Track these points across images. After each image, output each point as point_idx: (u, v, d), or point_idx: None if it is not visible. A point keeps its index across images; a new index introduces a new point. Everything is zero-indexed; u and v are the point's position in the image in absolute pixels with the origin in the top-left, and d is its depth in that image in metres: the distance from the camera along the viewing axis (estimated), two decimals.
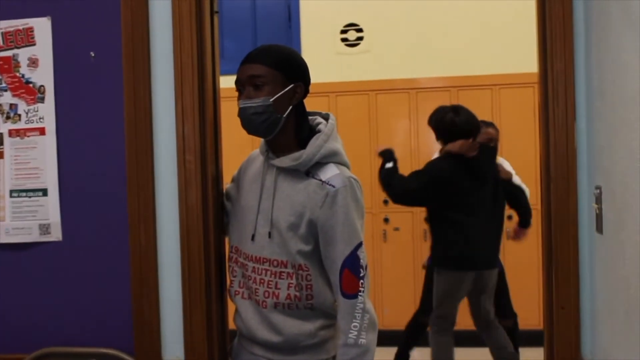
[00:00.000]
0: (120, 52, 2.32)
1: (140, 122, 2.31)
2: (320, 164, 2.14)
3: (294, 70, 2.16)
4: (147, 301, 2.33)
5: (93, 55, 2.34)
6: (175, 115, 2.31)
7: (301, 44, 6.10)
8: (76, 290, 2.39)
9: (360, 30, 6.12)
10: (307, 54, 6.04)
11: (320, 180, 2.12)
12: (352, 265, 2.08)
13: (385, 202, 5.85)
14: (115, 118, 2.33)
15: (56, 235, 2.38)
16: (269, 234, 2.14)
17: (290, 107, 2.15)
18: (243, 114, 2.12)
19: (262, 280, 2.16)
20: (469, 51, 5.90)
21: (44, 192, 2.38)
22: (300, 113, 2.20)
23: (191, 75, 2.29)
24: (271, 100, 2.10)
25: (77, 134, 2.37)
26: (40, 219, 2.38)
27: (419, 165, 5.84)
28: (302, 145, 2.17)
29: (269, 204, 2.16)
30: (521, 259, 5.66)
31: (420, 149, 5.90)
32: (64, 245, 2.39)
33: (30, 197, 2.38)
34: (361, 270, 2.09)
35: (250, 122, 2.12)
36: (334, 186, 2.09)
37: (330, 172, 2.13)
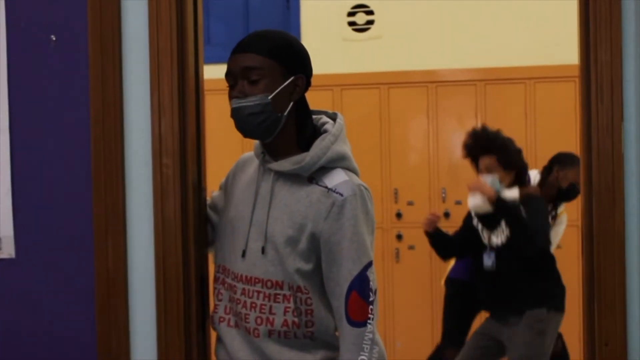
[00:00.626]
0: (86, 35, 2.31)
1: (109, 118, 2.30)
2: (326, 168, 2.15)
3: (294, 60, 2.16)
4: (115, 332, 2.32)
5: (54, 39, 2.34)
6: (150, 111, 2.31)
7: (301, 28, 6.11)
8: (31, 317, 2.37)
9: (370, 13, 6.12)
10: (308, 40, 6.03)
11: (326, 187, 2.12)
12: (361, 287, 2.08)
13: (398, 215, 5.85)
14: (79, 114, 2.32)
15: (8, 251, 2.37)
16: (263, 250, 2.14)
17: (291, 104, 2.15)
18: (238, 115, 2.12)
19: (253, 304, 2.16)
20: (499, 38, 5.91)
21: None
22: (302, 110, 2.20)
23: (170, 63, 2.29)
24: (270, 97, 2.10)
25: (34, 132, 2.36)
26: None
27: (438, 172, 5.86)
28: (305, 147, 2.17)
29: (264, 214, 2.16)
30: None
31: (440, 152, 5.91)
32: (17, 263, 2.38)
33: None
34: (371, 294, 2.09)
35: (246, 124, 2.12)
36: (341, 194, 2.09)
37: (337, 179, 2.13)
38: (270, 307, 2.14)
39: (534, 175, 4.81)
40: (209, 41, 6.14)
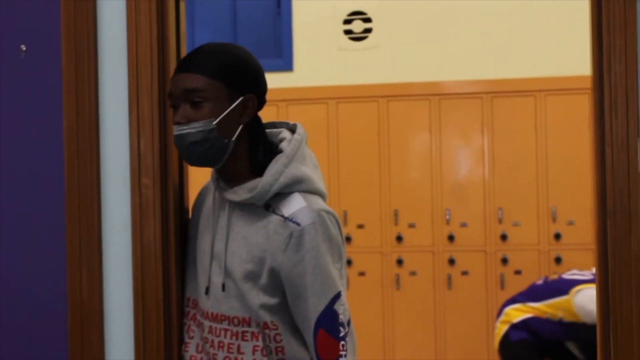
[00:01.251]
0: (59, 45, 2.31)
1: (84, 134, 2.30)
2: (282, 194, 2.13)
3: (243, 79, 2.14)
4: None
5: (24, 49, 2.34)
6: (129, 127, 2.30)
7: (293, 36, 6.11)
8: None
9: (368, 20, 6.14)
10: (301, 49, 6.05)
11: (283, 216, 2.10)
12: (329, 324, 2.08)
13: (399, 238, 5.84)
14: (51, 130, 2.32)
15: None
16: (223, 287, 2.14)
17: (240, 127, 2.14)
18: (180, 143, 2.10)
19: (221, 344, 2.16)
20: (507, 48, 5.92)
21: None
22: (254, 130, 2.18)
23: (150, 75, 2.29)
24: (214, 122, 2.08)
25: (3, 147, 2.35)
26: None
27: (442, 192, 5.85)
28: (259, 171, 2.15)
29: (222, 247, 2.16)
30: None
31: (444, 170, 5.90)
32: None
33: None
34: (341, 329, 2.08)
35: (190, 153, 2.11)
36: (298, 224, 2.07)
37: (295, 205, 2.11)
38: (239, 346, 2.14)
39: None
40: None
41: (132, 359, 2.31)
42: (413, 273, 5.91)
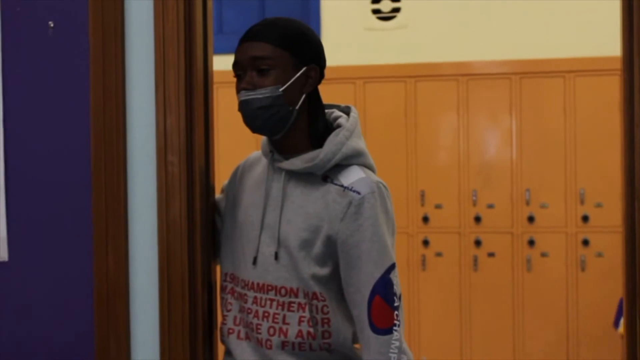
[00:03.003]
0: (87, 21, 2.31)
1: (111, 112, 2.30)
2: (341, 166, 2.15)
3: (306, 50, 2.17)
4: (115, 342, 2.32)
5: (52, 25, 2.34)
6: (155, 105, 2.31)
7: (321, 15, 6.10)
8: (25, 324, 2.38)
9: (396, 0, 6.10)
10: (329, 29, 6.04)
11: (342, 185, 2.12)
12: (385, 291, 2.08)
13: (425, 219, 5.83)
14: (78, 107, 2.33)
15: (1, 254, 2.38)
16: (276, 255, 2.14)
17: (303, 97, 2.16)
18: (245, 108, 2.12)
19: (266, 314, 2.17)
20: (536, 28, 5.88)
21: None
22: (315, 103, 2.20)
23: (176, 53, 2.29)
24: (281, 89, 2.10)
25: (30, 125, 2.36)
26: None
27: (469, 173, 5.83)
28: (317, 143, 2.18)
29: (276, 217, 2.17)
30: (594, 301, 5.62)
31: (471, 151, 5.88)
32: (10, 266, 2.38)
33: None
34: (395, 299, 2.09)
35: (255, 118, 2.12)
36: (359, 193, 2.09)
37: (354, 176, 2.13)
38: (284, 316, 2.14)
39: None
40: (220, 30, 6.15)
41: (157, 336, 2.32)
42: (439, 254, 5.90)
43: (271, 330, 2.15)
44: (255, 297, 2.18)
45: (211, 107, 2.46)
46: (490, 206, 5.87)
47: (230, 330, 2.24)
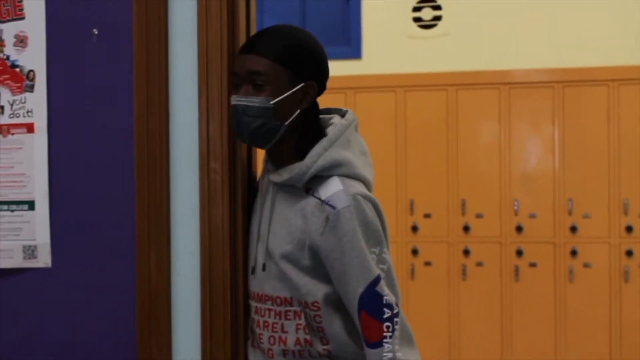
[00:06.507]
0: (131, 29, 2.32)
1: (154, 118, 2.31)
2: (321, 177, 2.14)
3: (306, 66, 2.16)
4: (157, 348, 2.32)
5: (96, 33, 2.35)
6: (198, 111, 2.31)
7: (362, 23, 6.10)
8: (67, 330, 2.39)
9: (437, 8, 6.10)
10: (370, 37, 6.04)
11: (320, 199, 2.11)
12: (370, 305, 2.07)
13: (466, 228, 5.80)
14: (122, 113, 2.33)
15: (44, 260, 2.39)
16: (263, 266, 2.18)
17: (297, 112, 2.16)
18: (235, 113, 2.14)
19: (265, 324, 2.20)
20: (579, 35, 5.85)
21: (31, 205, 2.39)
22: (311, 117, 2.20)
23: (219, 60, 2.29)
24: (271, 102, 2.10)
25: (74, 132, 2.37)
26: (25, 239, 2.39)
27: (510, 183, 5.80)
28: (304, 155, 2.17)
29: (266, 228, 2.21)
30: (638, 313, 5.57)
31: (513, 160, 5.85)
32: (54, 273, 2.39)
33: (12, 211, 2.39)
34: (385, 310, 2.07)
35: (242, 125, 2.13)
36: (334, 207, 2.08)
37: (332, 189, 2.12)
38: (282, 325, 2.17)
39: None
40: None
41: (199, 343, 2.32)
42: (480, 264, 5.87)
43: (271, 340, 2.18)
44: (257, 308, 2.22)
45: None
46: (532, 216, 5.82)
47: (247, 337, 2.30)
